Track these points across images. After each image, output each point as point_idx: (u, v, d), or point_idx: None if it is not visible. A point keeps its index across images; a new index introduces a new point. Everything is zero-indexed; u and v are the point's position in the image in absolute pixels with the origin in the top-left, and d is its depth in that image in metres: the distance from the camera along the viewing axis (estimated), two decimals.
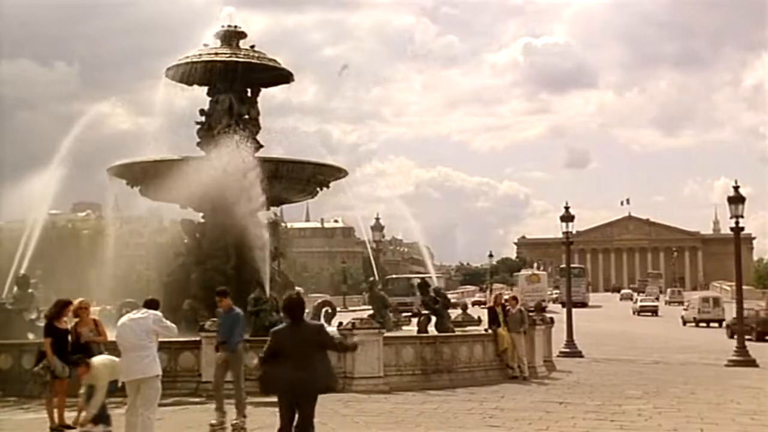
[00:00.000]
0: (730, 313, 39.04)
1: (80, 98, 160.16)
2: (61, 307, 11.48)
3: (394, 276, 67.67)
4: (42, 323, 12.55)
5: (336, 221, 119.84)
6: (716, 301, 52.04)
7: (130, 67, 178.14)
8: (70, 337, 11.28)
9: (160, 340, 9.93)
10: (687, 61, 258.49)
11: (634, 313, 62.23)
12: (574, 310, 29.58)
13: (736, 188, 25.38)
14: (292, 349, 7.67)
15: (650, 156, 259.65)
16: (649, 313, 60.28)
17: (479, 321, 21.13)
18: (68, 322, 11.42)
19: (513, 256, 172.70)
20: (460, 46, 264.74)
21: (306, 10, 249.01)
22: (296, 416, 7.71)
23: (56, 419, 11.23)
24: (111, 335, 12.33)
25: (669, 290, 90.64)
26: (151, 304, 10.04)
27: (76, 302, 11.60)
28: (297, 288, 18.72)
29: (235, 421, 11.52)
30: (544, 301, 53.56)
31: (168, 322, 9.96)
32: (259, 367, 7.98)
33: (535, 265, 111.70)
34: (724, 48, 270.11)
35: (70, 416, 11.32)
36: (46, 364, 11.12)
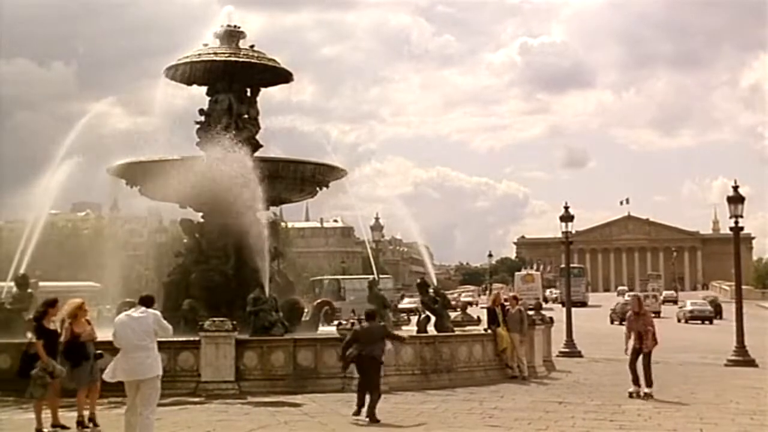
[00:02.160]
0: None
1: (78, 98, 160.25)
2: (48, 306, 11.44)
3: (319, 278, 61.02)
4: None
5: (335, 221, 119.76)
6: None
7: (127, 67, 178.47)
8: (63, 337, 11.25)
9: (157, 339, 9.90)
10: (685, 61, 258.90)
11: None
12: (573, 309, 29.59)
13: (735, 188, 25.35)
14: (366, 338, 12.47)
15: (649, 156, 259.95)
16: (653, 314, 60.66)
17: (479, 321, 21.15)
18: (55, 322, 11.36)
19: (512, 255, 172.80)
20: (457, 46, 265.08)
21: (302, 10, 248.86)
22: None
23: (54, 419, 11.22)
24: (108, 335, 12.40)
25: (664, 291, 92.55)
26: (147, 301, 9.95)
27: (74, 303, 11.58)
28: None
29: None
30: (542, 300, 54.34)
31: (165, 323, 9.91)
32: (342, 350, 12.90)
33: (528, 266, 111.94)
34: (722, 48, 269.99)
35: (70, 416, 11.34)
36: (43, 366, 11.04)
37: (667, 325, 48.58)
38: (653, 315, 61.15)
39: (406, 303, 48.79)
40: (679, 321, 53.35)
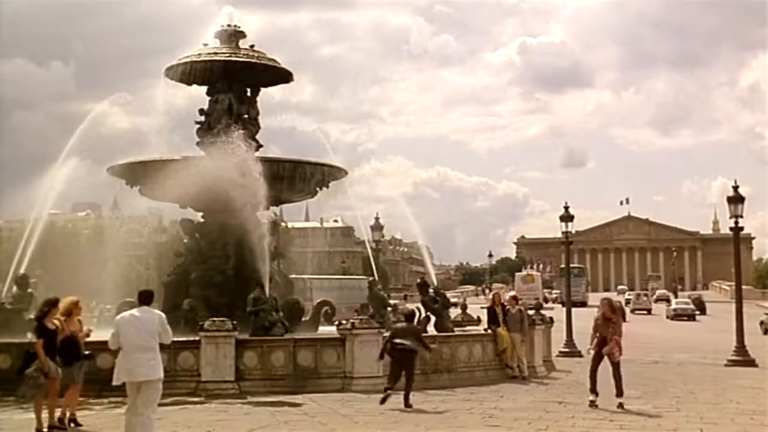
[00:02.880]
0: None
1: (76, 98, 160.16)
2: (51, 305, 11.43)
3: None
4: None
5: (336, 221, 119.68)
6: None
7: (126, 67, 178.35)
8: (58, 336, 11.25)
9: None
10: (684, 61, 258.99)
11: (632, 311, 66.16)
12: (573, 309, 29.59)
13: (735, 188, 25.34)
14: (403, 335, 14.01)
15: (648, 156, 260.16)
16: (644, 312, 66.46)
17: (479, 321, 21.15)
18: (54, 322, 11.35)
19: (512, 255, 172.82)
20: (456, 46, 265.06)
21: (301, 10, 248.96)
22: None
23: (50, 419, 11.20)
24: (102, 335, 12.39)
25: (657, 291, 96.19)
26: (145, 297, 9.78)
27: (70, 300, 11.57)
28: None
29: None
30: (542, 300, 55.42)
31: (168, 327, 9.75)
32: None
33: (529, 265, 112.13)
34: (721, 48, 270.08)
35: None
36: (39, 366, 11.00)
37: (656, 322, 54.91)
38: (644, 312, 63.31)
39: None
40: (668, 317, 58.85)
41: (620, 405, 13.39)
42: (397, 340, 13.89)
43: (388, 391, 13.39)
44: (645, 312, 65.67)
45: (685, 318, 57.91)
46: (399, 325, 15.01)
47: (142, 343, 9.41)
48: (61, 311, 11.38)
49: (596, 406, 13.48)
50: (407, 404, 13.33)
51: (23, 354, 11.58)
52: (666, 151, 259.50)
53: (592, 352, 13.95)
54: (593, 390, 13.74)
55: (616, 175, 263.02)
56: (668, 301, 72.37)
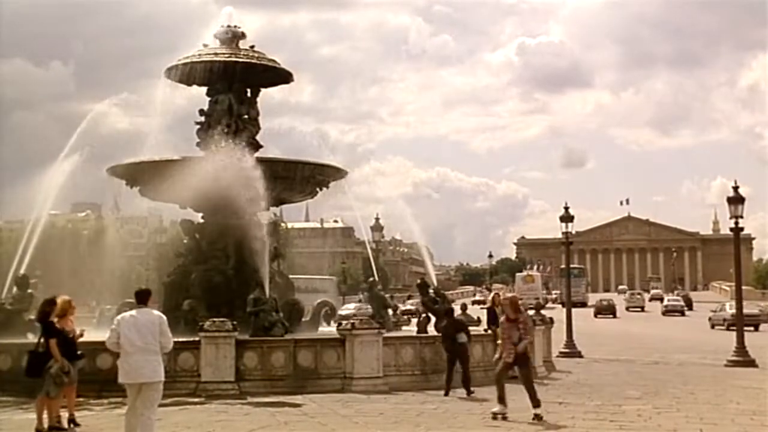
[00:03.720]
0: None
1: (76, 98, 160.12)
2: (51, 305, 11.41)
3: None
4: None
5: (336, 221, 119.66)
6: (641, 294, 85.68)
7: (125, 67, 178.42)
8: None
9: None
10: (683, 61, 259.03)
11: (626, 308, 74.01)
12: (573, 309, 29.58)
13: (735, 188, 25.29)
14: (451, 331, 15.91)
15: (648, 156, 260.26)
16: (638, 309, 74.31)
17: (479, 321, 21.12)
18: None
19: (512, 256, 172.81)
20: (454, 46, 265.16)
21: (299, 10, 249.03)
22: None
23: (50, 419, 11.20)
24: (97, 335, 12.38)
25: (652, 291, 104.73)
26: (142, 296, 9.69)
27: (64, 300, 11.57)
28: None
29: None
30: (542, 300, 57.12)
31: (169, 331, 9.60)
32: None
33: (528, 266, 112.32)
34: (720, 48, 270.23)
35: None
36: (60, 366, 10.98)
37: (650, 318, 61.74)
38: (638, 309, 68.62)
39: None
40: (662, 313, 65.79)
41: (538, 416, 12.10)
42: (459, 337, 15.74)
43: (450, 385, 15.50)
44: (639, 309, 73.88)
45: (676, 313, 64.94)
46: (451, 320, 16.48)
47: (143, 345, 9.33)
48: (57, 311, 11.38)
49: (506, 418, 12.22)
50: (470, 391, 15.20)
51: (27, 355, 11.56)
52: (665, 151, 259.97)
53: (502, 358, 12.58)
54: (500, 399, 12.42)
55: (616, 175, 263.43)
56: (661, 299, 79.80)
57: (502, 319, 13.08)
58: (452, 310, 17.34)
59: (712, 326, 45.84)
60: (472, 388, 15.30)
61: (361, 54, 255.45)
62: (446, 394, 15.21)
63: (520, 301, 13.31)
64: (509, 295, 14.60)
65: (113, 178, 19.99)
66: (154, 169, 18.86)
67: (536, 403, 12.31)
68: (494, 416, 12.33)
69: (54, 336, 11.13)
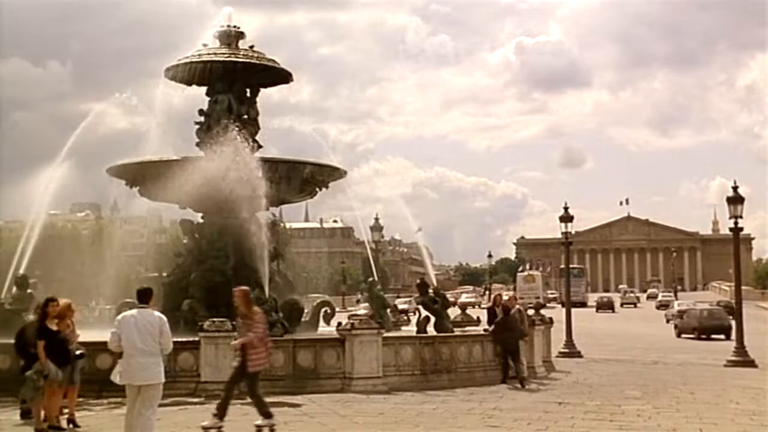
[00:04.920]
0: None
1: (74, 98, 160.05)
2: (47, 305, 11.41)
3: None
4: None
5: (335, 221, 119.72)
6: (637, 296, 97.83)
7: (123, 67, 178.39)
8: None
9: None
10: (681, 61, 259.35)
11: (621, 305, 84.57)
12: (573, 309, 29.59)
13: (735, 188, 25.31)
14: (504, 328, 17.72)
15: (646, 156, 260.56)
16: (631, 305, 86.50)
17: (478, 321, 21.13)
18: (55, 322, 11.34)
19: (512, 256, 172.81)
20: (452, 46, 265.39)
21: (298, 10, 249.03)
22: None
23: (49, 419, 11.20)
24: (95, 335, 12.36)
25: (648, 290, 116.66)
26: (144, 296, 9.68)
27: (63, 303, 11.55)
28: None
29: None
30: (542, 299, 58.32)
31: (169, 333, 9.58)
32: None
33: (527, 266, 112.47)
34: (719, 48, 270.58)
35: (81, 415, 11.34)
36: (39, 368, 10.96)
37: (647, 316, 65.33)
38: (631, 306, 77.69)
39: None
40: (656, 308, 75.01)
41: (270, 428, 10.85)
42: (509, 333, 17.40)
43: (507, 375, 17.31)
44: (632, 305, 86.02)
45: (665, 307, 71.57)
46: (498, 319, 17.99)
47: (144, 346, 9.31)
48: (55, 315, 11.35)
49: (219, 430, 10.81)
50: (523, 385, 16.71)
51: (25, 355, 11.55)
52: (664, 151, 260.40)
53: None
54: (219, 413, 10.87)
55: (615, 175, 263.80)
56: (656, 297, 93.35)
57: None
58: (508, 309, 18.30)
59: (668, 321, 52.31)
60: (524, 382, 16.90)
61: (360, 54, 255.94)
62: (502, 382, 17.19)
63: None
64: (237, 288, 11.18)
65: (113, 178, 19.99)
66: (154, 169, 18.85)
67: (266, 413, 10.96)
68: (204, 430, 10.76)
69: (43, 338, 11.10)
